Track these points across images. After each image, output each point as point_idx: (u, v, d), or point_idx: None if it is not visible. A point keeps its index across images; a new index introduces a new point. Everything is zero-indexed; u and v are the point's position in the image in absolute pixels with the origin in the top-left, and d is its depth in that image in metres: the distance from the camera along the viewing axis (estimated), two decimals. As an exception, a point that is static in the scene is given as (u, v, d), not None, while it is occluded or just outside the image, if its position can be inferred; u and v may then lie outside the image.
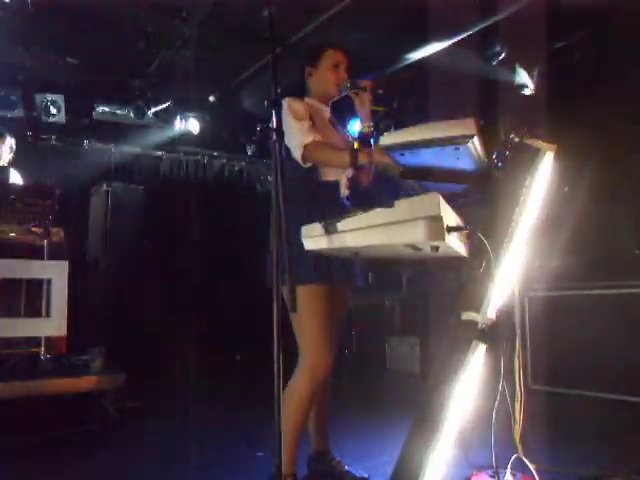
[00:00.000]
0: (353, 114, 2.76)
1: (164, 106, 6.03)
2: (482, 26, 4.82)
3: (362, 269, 2.66)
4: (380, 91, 2.63)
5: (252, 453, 3.10)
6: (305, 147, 2.47)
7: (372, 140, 2.71)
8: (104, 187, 5.24)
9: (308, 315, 2.41)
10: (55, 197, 4.38)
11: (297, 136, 2.48)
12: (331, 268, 2.45)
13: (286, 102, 2.56)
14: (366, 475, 2.69)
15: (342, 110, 2.96)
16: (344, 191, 2.70)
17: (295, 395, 2.43)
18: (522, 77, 4.91)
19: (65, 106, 5.50)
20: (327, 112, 2.77)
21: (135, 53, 5.12)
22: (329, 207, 2.54)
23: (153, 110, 5.88)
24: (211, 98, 5.98)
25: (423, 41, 5.02)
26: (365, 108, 2.66)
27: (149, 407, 4.14)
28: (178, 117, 6.12)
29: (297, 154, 2.49)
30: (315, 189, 2.56)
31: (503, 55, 4.99)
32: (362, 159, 2.41)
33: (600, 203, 4.36)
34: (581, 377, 4.12)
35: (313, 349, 2.45)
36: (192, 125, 6.09)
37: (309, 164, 2.52)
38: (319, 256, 2.30)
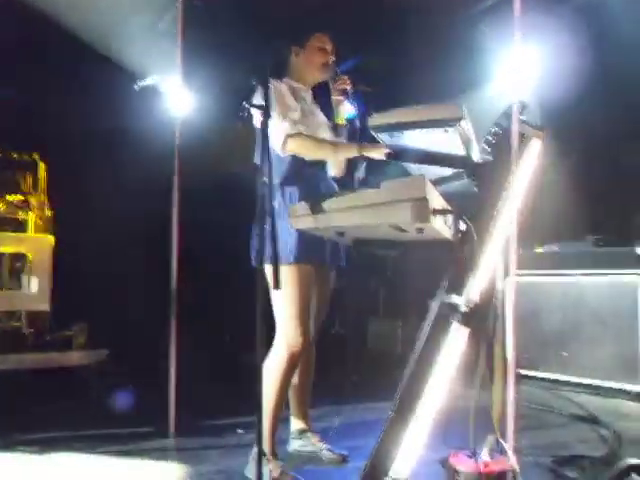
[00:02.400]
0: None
1: (151, 81, 5.94)
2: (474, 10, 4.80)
3: (346, 250, 2.67)
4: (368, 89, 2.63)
5: (232, 430, 3.12)
6: (287, 137, 2.47)
7: (345, 132, 2.74)
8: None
9: (288, 294, 2.43)
10: (40, 169, 4.33)
11: (280, 125, 2.47)
12: (315, 248, 2.46)
13: (283, 87, 2.56)
14: (346, 453, 2.72)
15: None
16: (332, 170, 2.71)
17: (272, 373, 2.45)
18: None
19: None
20: (309, 93, 2.76)
21: (118, 27, 5.02)
22: (315, 186, 2.56)
23: (140, 84, 5.80)
24: (199, 74, 5.90)
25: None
26: (338, 102, 2.71)
27: (131, 383, 4.14)
28: (165, 93, 6.04)
29: (277, 143, 2.47)
30: (301, 169, 2.56)
31: (492, 38, 4.97)
32: (343, 153, 2.42)
33: (584, 191, 4.40)
34: (561, 361, 4.19)
35: (290, 326, 2.47)
36: (180, 101, 6.02)
37: (287, 154, 2.51)
38: (303, 235, 2.31)
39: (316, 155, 2.57)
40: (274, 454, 2.47)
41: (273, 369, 2.46)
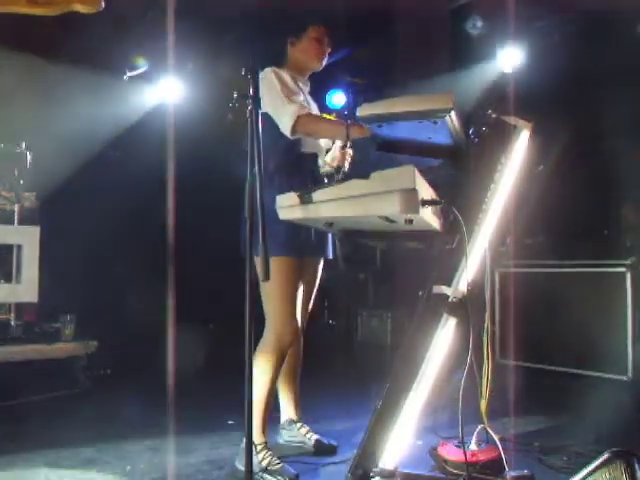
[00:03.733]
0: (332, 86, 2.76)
1: (140, 71, 5.89)
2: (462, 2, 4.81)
3: (334, 241, 2.69)
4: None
5: (223, 421, 3.13)
6: (299, 118, 2.43)
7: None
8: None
9: (276, 285, 2.43)
10: (27, 161, 4.29)
11: (289, 107, 2.45)
12: (303, 240, 2.47)
13: (273, 72, 2.54)
14: (335, 443, 2.74)
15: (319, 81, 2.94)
16: (323, 163, 2.71)
17: (261, 364, 2.46)
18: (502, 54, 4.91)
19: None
20: (307, 86, 2.76)
21: (110, 16, 4.97)
22: (307, 178, 2.56)
23: (129, 74, 5.76)
24: (189, 65, 5.87)
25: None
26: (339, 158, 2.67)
27: (120, 375, 4.14)
28: (154, 83, 6.00)
29: (287, 125, 2.44)
30: (295, 160, 2.55)
31: (482, 31, 4.98)
32: (354, 133, 2.40)
33: (572, 182, 4.42)
34: (547, 352, 4.22)
35: (278, 318, 2.49)
36: (169, 91, 5.98)
37: (297, 136, 2.49)
38: (291, 227, 2.32)
39: (329, 132, 2.57)
40: (264, 444, 2.48)
41: (262, 360, 2.47)
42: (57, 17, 1.55)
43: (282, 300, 2.48)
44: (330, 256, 2.71)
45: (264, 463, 2.40)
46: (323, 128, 2.55)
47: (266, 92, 2.45)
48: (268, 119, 2.44)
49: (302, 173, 2.57)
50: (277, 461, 2.43)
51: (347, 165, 2.64)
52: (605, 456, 1.77)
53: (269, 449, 2.48)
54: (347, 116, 2.69)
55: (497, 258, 4.35)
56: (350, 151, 2.62)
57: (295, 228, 2.35)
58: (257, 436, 2.42)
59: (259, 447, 2.43)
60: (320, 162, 2.71)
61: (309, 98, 2.75)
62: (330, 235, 2.64)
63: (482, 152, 2.21)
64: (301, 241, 2.47)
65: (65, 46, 4.89)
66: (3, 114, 4.30)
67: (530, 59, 4.86)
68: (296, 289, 2.55)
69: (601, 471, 1.76)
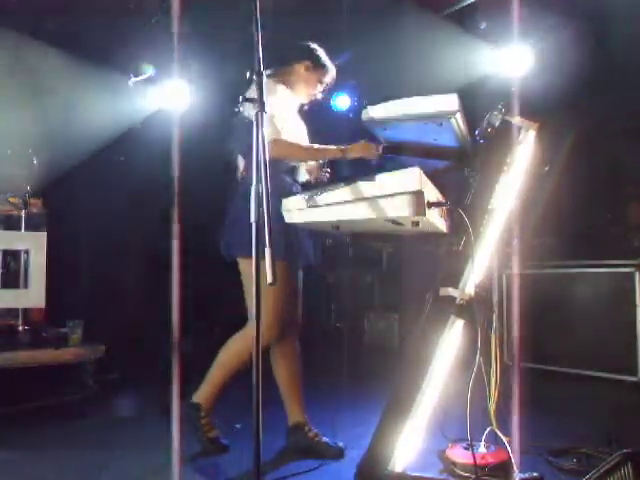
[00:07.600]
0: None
1: (145, 76, 5.91)
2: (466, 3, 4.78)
3: (315, 247, 2.70)
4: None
5: (230, 425, 3.12)
6: (274, 141, 2.46)
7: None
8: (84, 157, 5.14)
9: (275, 289, 2.42)
10: (34, 167, 4.31)
11: (271, 127, 2.48)
12: (294, 246, 2.52)
13: (283, 92, 2.62)
14: (343, 446, 2.73)
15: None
16: (303, 177, 2.76)
17: (234, 352, 2.61)
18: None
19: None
20: (298, 104, 2.80)
21: (116, 20, 4.98)
22: (288, 189, 2.60)
23: (134, 80, 5.77)
24: (194, 68, 5.87)
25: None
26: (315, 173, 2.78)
27: (128, 379, 4.14)
28: (159, 87, 6.01)
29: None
30: (276, 173, 2.56)
31: (487, 32, 4.96)
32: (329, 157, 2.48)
33: (578, 183, 4.40)
34: (556, 354, 4.20)
35: (268, 314, 2.49)
36: (174, 95, 5.99)
37: (272, 156, 2.50)
38: (284, 233, 2.38)
39: (300, 158, 2.62)
40: (210, 413, 2.66)
41: (240, 344, 2.60)
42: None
43: (276, 303, 2.52)
44: (313, 263, 2.72)
45: (209, 434, 2.64)
46: (295, 152, 2.57)
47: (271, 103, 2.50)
48: None
49: (282, 185, 2.60)
50: (214, 431, 2.65)
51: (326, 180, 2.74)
52: (615, 458, 1.76)
53: (210, 417, 2.66)
54: None
55: (504, 259, 4.34)
56: (328, 170, 2.74)
57: (286, 234, 2.42)
58: (205, 402, 2.65)
59: (203, 413, 2.63)
60: (301, 172, 2.76)
61: (298, 117, 2.79)
62: (312, 242, 2.66)
63: (488, 153, 2.20)
64: (292, 247, 2.52)
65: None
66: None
67: (536, 58, 4.83)
68: (285, 293, 2.58)
69: (611, 473, 1.75)
